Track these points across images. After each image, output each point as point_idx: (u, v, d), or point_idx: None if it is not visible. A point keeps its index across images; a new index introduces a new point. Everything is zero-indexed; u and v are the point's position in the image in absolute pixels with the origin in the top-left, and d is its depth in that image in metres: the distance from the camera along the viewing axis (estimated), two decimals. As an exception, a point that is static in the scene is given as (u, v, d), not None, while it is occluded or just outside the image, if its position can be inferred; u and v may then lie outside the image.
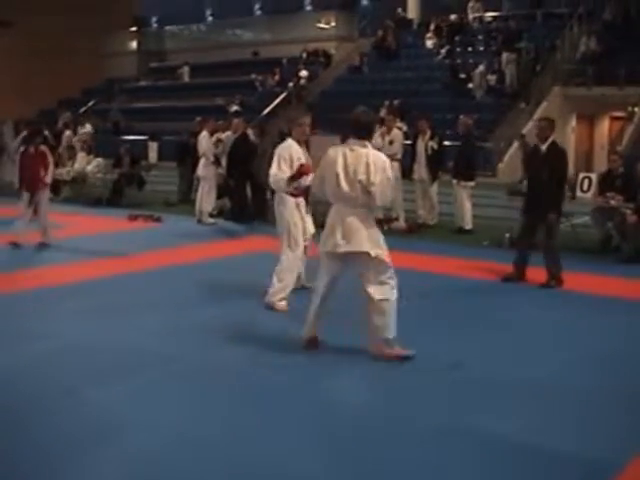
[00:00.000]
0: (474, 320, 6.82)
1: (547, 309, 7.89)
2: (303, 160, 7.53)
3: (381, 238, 6.06)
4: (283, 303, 7.61)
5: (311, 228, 7.87)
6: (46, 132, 17.52)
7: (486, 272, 9.48)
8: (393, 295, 6.05)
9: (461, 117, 13.74)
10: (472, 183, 12.89)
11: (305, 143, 7.87)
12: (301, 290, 7.73)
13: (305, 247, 7.81)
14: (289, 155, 7.49)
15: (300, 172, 7.47)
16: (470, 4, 25.17)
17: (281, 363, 6.10)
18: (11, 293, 8.41)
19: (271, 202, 8.97)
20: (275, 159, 7.53)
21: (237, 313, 7.60)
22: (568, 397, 5.42)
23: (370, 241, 5.95)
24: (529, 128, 18.52)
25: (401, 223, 13.18)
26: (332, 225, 6.04)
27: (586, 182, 11.74)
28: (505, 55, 20.68)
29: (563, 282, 8.72)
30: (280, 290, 7.62)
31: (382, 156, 6.05)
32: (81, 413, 5.10)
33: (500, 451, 4.54)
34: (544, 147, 8.72)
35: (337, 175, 5.90)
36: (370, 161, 5.87)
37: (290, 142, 7.65)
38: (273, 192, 8.25)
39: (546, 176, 8.57)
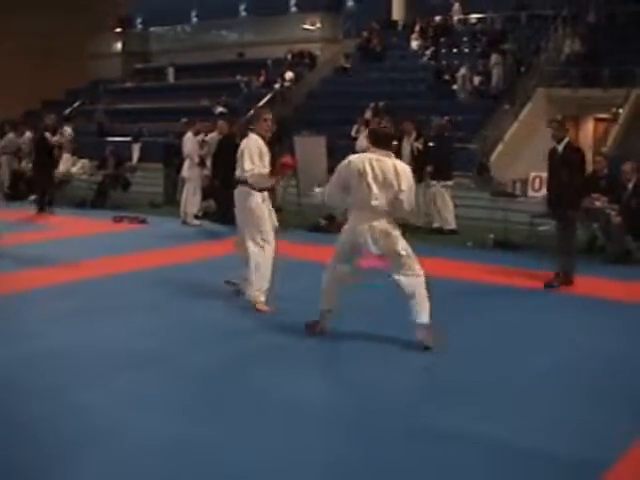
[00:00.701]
0: (468, 320, 6.83)
1: (541, 311, 7.88)
2: (267, 154, 7.56)
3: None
4: (265, 306, 7.51)
5: (275, 221, 7.79)
6: (47, 134, 17.25)
7: (473, 273, 9.50)
8: (422, 286, 6.31)
9: (445, 118, 13.94)
10: (450, 182, 13.02)
11: (269, 139, 7.77)
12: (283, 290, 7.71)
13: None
14: (259, 150, 7.50)
15: (284, 168, 7.48)
16: (456, 6, 25.25)
17: (272, 363, 6.08)
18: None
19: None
20: (246, 154, 7.52)
21: (224, 313, 7.58)
22: (565, 397, 5.43)
23: (400, 242, 6.30)
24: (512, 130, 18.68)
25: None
26: (359, 229, 6.27)
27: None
28: (494, 57, 20.74)
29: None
30: (259, 290, 7.51)
31: (405, 165, 6.43)
32: (77, 414, 5.06)
33: (498, 451, 4.53)
34: (560, 148, 8.74)
35: (369, 185, 6.16)
36: (399, 170, 6.23)
37: (255, 137, 7.63)
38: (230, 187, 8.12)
39: (566, 176, 8.61)
